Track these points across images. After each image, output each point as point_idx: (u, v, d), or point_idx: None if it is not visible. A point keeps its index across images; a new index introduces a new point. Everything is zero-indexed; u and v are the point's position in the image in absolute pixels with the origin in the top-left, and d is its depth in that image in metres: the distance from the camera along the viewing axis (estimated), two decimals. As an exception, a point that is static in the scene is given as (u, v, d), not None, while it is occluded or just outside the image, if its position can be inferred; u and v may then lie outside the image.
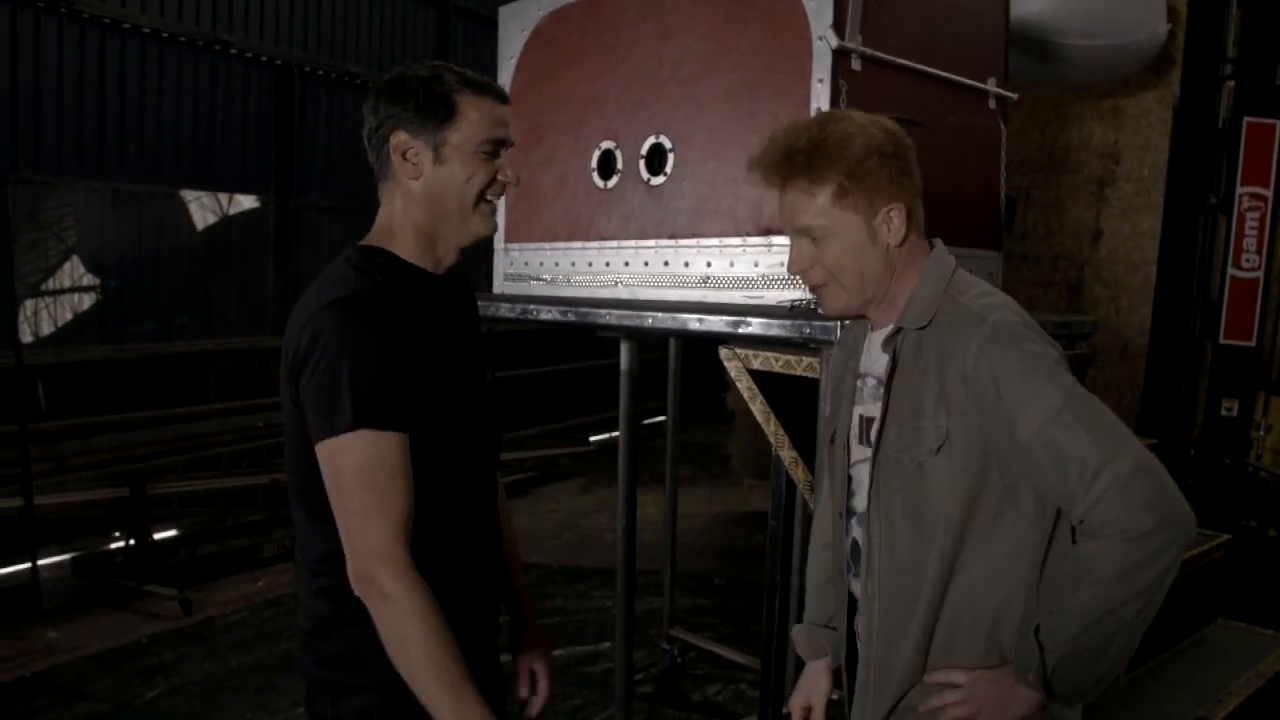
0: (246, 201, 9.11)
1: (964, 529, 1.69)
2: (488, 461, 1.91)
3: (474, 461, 1.83)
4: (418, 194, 1.76)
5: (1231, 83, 5.23)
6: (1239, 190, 5.00)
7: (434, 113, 1.74)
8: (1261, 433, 5.34)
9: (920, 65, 2.91)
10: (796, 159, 1.71)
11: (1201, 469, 5.11)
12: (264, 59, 9.01)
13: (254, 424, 7.58)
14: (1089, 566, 1.58)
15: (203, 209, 8.82)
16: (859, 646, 1.89)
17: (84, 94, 7.71)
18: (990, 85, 3.24)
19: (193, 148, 8.57)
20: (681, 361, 4.85)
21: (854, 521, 1.87)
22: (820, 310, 1.87)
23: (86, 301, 8.12)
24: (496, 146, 1.78)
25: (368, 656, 1.68)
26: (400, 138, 1.74)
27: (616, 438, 12.94)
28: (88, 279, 8.12)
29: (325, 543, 1.71)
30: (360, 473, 1.61)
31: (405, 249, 1.78)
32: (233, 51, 8.70)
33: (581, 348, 12.43)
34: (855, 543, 1.87)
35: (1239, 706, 2.60)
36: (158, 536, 6.33)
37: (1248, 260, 4.99)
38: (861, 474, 1.83)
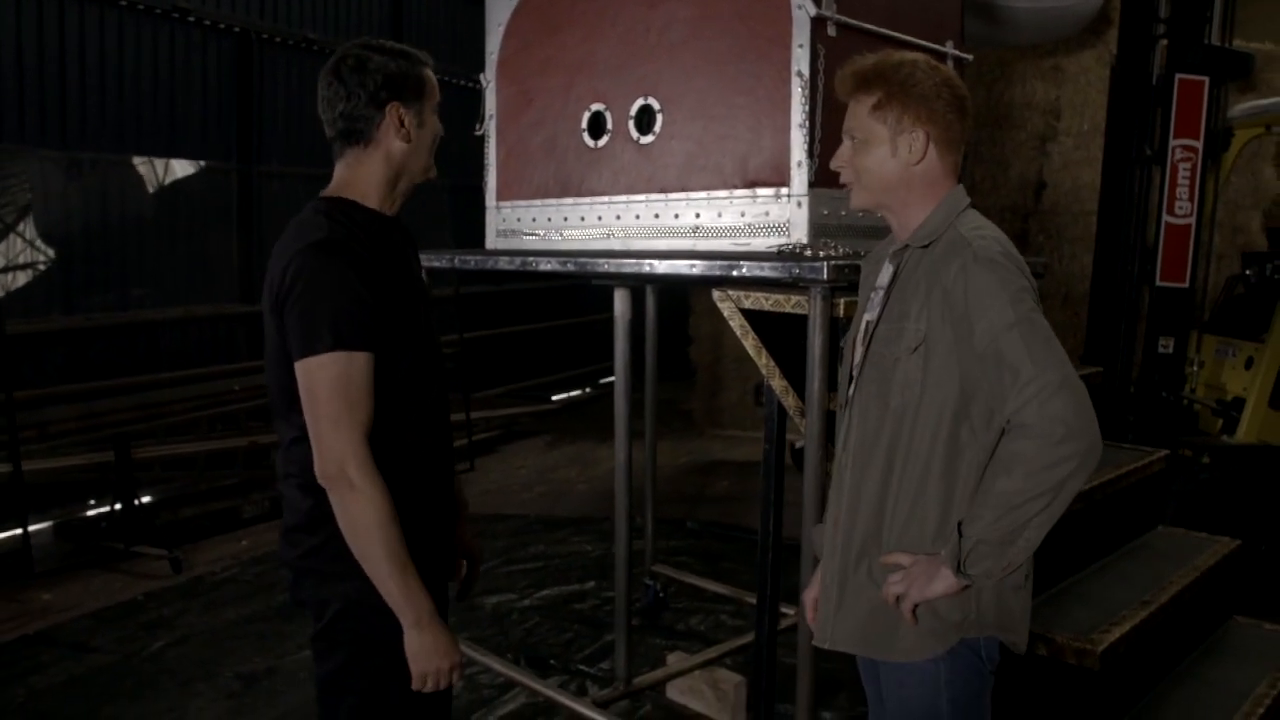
0: (207, 168, 9.14)
1: (923, 424, 1.99)
2: (440, 379, 2.24)
3: (430, 377, 2.16)
4: (402, 153, 2.12)
5: (1164, 42, 5.53)
6: (1172, 143, 5.32)
7: (416, 88, 2.14)
8: (1195, 368, 5.72)
9: (888, 31, 3.18)
10: (859, 75, 2.07)
11: (1141, 403, 5.46)
12: (222, 26, 9.05)
13: (229, 388, 7.71)
14: (1005, 463, 1.88)
15: (162, 176, 8.85)
16: (828, 510, 2.21)
17: (43, 62, 7.71)
18: (949, 48, 3.52)
19: (153, 116, 8.60)
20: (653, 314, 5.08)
21: (848, 407, 2.18)
22: (849, 209, 2.23)
23: (47, 271, 8.13)
24: (438, 105, 2.21)
25: (346, 548, 1.97)
26: (399, 112, 2.11)
27: (578, 396, 13.16)
28: (47, 248, 8.13)
29: (305, 456, 2.00)
30: (333, 385, 1.92)
31: (368, 198, 2.12)
32: (190, 19, 8.73)
33: (543, 309, 12.63)
34: (845, 426, 2.19)
35: (1178, 593, 2.94)
36: (141, 500, 6.46)
37: (1180, 208, 5.32)
38: (857, 371, 2.15)
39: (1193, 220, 5.35)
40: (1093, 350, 5.84)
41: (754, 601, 4.83)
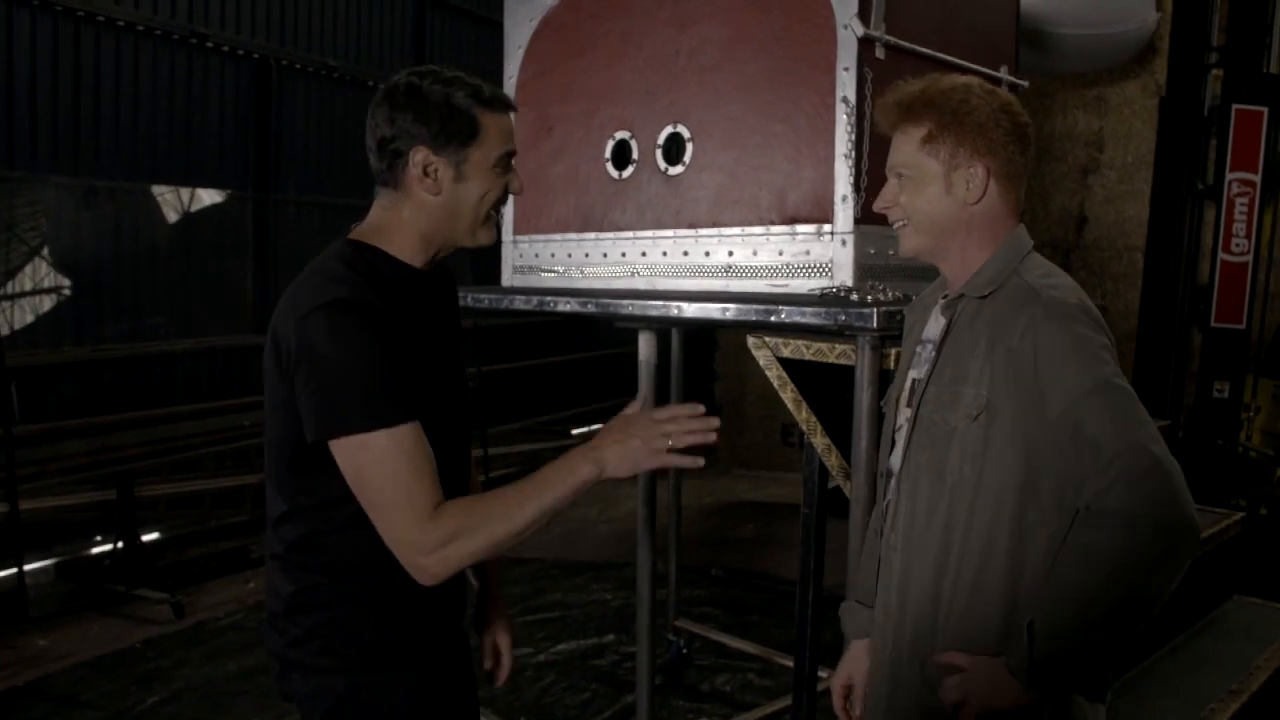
0: (223, 197, 8.98)
1: (984, 503, 1.70)
2: (461, 447, 1.95)
3: (449, 448, 1.85)
4: (433, 207, 1.79)
5: (1218, 71, 5.28)
6: (1228, 176, 5.06)
7: (458, 131, 1.76)
8: (1251, 414, 5.42)
9: (940, 54, 2.92)
10: (903, 103, 1.80)
11: (1193, 450, 5.17)
12: (241, 52, 8.89)
13: (239, 424, 7.49)
14: (1084, 557, 1.58)
15: (179, 205, 8.70)
16: (878, 597, 1.93)
17: (58, 89, 7.57)
18: (1003, 73, 3.27)
19: (169, 143, 8.44)
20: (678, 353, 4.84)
21: (893, 481, 1.90)
22: (897, 252, 1.93)
23: (59, 302, 7.98)
24: (509, 159, 1.84)
25: (335, 639, 1.77)
26: (422, 154, 1.76)
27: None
28: (60, 278, 7.97)
29: (295, 529, 1.78)
30: (382, 466, 1.64)
31: (398, 248, 1.81)
32: (209, 45, 8.57)
33: (562, 342, 12.41)
34: (889, 503, 1.91)
35: (1268, 680, 2.64)
36: (143, 539, 6.24)
37: (1237, 245, 5.05)
38: (901, 436, 1.88)
39: (1250, 258, 5.08)
40: (1140, 394, 5.54)
41: (783, 661, 4.56)
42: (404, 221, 1.80)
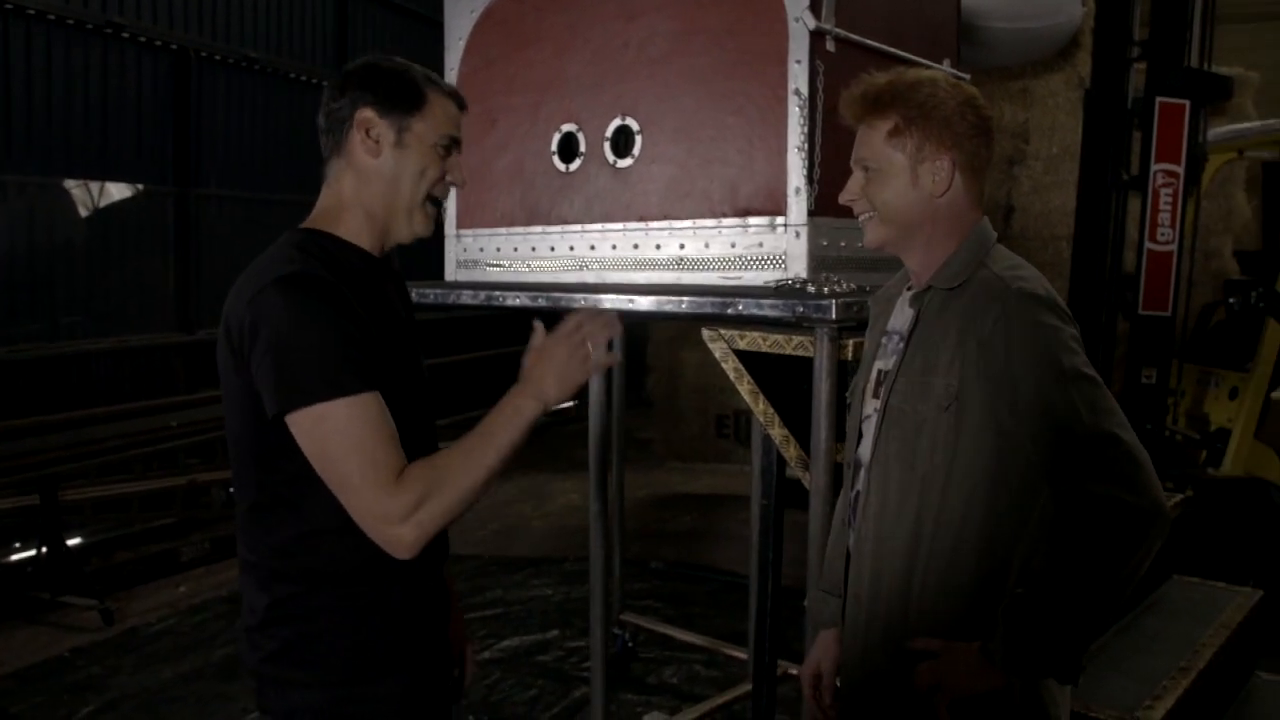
0: (134, 191, 8.72)
1: (956, 491, 1.72)
2: (427, 434, 1.90)
3: (414, 433, 1.80)
4: (371, 172, 1.77)
5: (1140, 64, 5.39)
6: (1153, 167, 5.16)
7: (404, 98, 1.77)
8: (1177, 399, 5.57)
9: (888, 47, 2.95)
10: (869, 96, 1.81)
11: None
12: (159, 43, 8.64)
13: (167, 424, 7.28)
14: (1059, 542, 1.62)
15: (95, 199, 8.42)
16: (848, 586, 1.93)
17: (-34, 81, 7.29)
18: (946, 66, 3.31)
19: (85, 136, 8.17)
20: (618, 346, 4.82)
21: (860, 473, 1.91)
22: (852, 244, 1.94)
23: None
24: (452, 144, 1.83)
25: (313, 652, 1.70)
26: (366, 114, 1.75)
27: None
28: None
29: (269, 536, 1.71)
30: (344, 437, 1.60)
31: (349, 231, 1.78)
32: (125, 35, 8.32)
33: (491, 336, 12.30)
34: (858, 494, 1.92)
35: (1213, 656, 2.72)
36: (69, 544, 6.04)
37: (1163, 234, 5.16)
38: (870, 427, 1.88)
39: (1175, 247, 5.20)
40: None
41: (730, 652, 4.58)
42: (348, 198, 1.78)
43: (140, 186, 8.68)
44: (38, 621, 5.58)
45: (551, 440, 10.10)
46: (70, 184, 8.16)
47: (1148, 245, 5.20)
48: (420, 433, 1.81)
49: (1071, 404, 1.62)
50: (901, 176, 1.80)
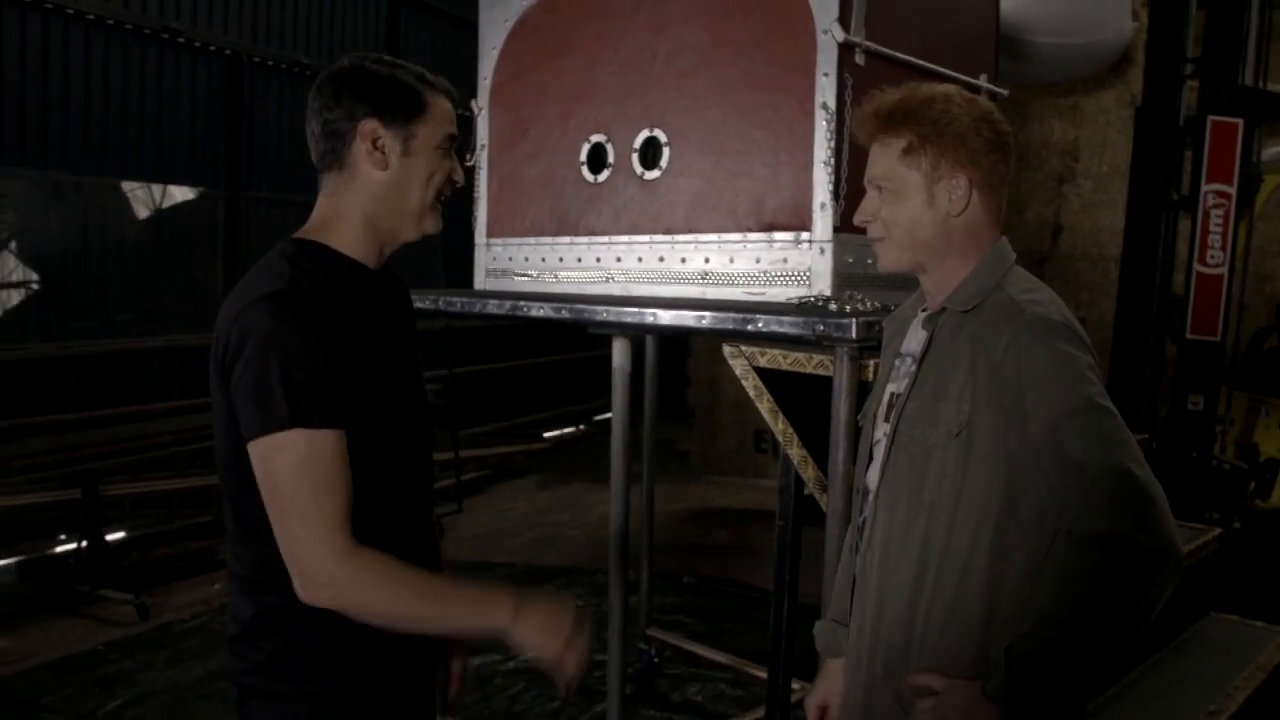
0: (194, 193, 8.86)
1: (963, 521, 1.67)
2: (423, 459, 1.88)
3: (410, 458, 1.80)
4: (379, 185, 1.73)
5: (1193, 81, 5.28)
6: (1204, 188, 5.05)
7: (405, 105, 1.73)
8: (1225, 426, 5.42)
9: (920, 61, 2.90)
10: (881, 114, 1.76)
11: (1167, 463, 5.16)
12: (212, 48, 8.77)
13: (207, 423, 7.36)
14: (1065, 580, 1.54)
15: (150, 201, 8.57)
16: (853, 615, 1.89)
17: (25, 82, 7.43)
18: (983, 81, 3.25)
19: (139, 138, 8.32)
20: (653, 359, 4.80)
21: (869, 498, 1.86)
22: (876, 263, 1.89)
23: (24, 297, 7.84)
24: (452, 143, 1.80)
25: (295, 664, 1.69)
26: (370, 125, 1.71)
27: (571, 433, 12.82)
28: (26, 273, 7.84)
29: (255, 548, 1.68)
30: (297, 471, 1.56)
31: (345, 243, 1.74)
32: (180, 40, 8.46)
33: (535, 344, 12.33)
34: (865, 520, 1.87)
35: (1246, 700, 2.62)
36: (109, 539, 6.13)
37: (1213, 256, 5.04)
38: (880, 451, 1.83)
39: (1225, 269, 5.07)
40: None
41: (756, 671, 4.52)
42: (348, 209, 1.74)
43: (193, 189, 8.82)
44: (76, 614, 5.65)
45: (593, 450, 10.10)
46: (130, 185, 8.31)
47: (1197, 267, 5.08)
48: (414, 444, 1.80)
49: (1083, 436, 1.56)
50: (917, 196, 1.75)
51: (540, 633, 1.63)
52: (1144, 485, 1.53)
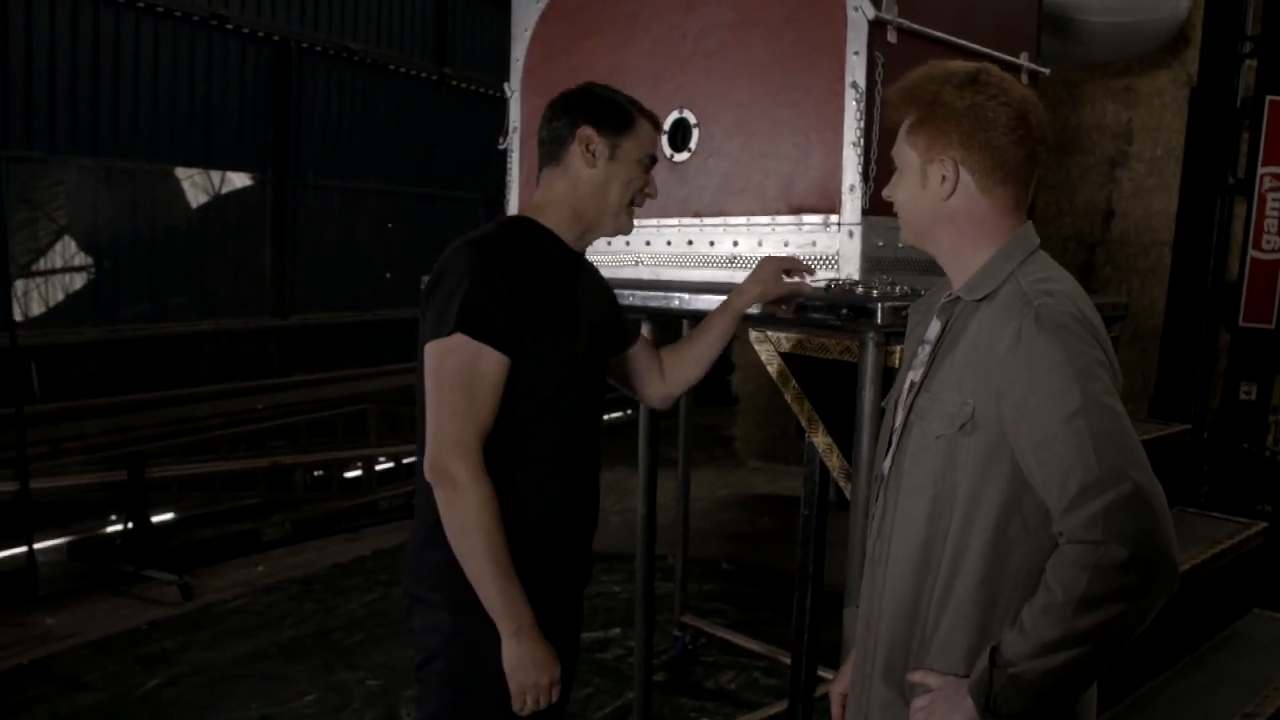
0: (242, 179, 8.96)
1: (968, 516, 1.61)
2: (593, 417, 2.16)
3: (580, 406, 2.05)
4: (585, 181, 2.06)
5: (1251, 61, 5.10)
6: (1260, 171, 4.88)
7: (618, 120, 2.09)
8: (1278, 417, 5.26)
9: (955, 38, 2.81)
10: (895, 93, 1.77)
11: (1217, 455, 5.02)
12: (261, 34, 8.87)
13: (253, 406, 7.47)
14: (1051, 588, 1.48)
15: (208, 187, 8.68)
16: (861, 607, 1.85)
17: (77, 69, 7.56)
18: (1023, 60, 3.15)
19: (189, 125, 8.44)
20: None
21: (881, 488, 1.82)
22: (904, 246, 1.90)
23: (79, 282, 7.99)
24: (652, 161, 2.14)
25: (451, 578, 1.91)
26: (587, 131, 2.06)
27: (619, 418, 12.77)
28: (80, 258, 7.98)
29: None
30: (456, 373, 1.85)
31: (552, 223, 2.06)
32: (229, 27, 8.56)
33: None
34: (878, 510, 1.83)
35: (1287, 701, 2.53)
36: (154, 520, 6.23)
37: (1269, 241, 4.88)
38: (895, 440, 1.79)
39: (1281, 255, 4.90)
40: (1163, 395, 5.38)
41: (788, 660, 4.47)
42: (558, 197, 2.07)
43: (248, 175, 8.92)
44: (121, 593, 5.75)
45: (637, 437, 10.06)
46: (185, 172, 8.43)
47: (1252, 253, 4.92)
48: (586, 400, 2.07)
49: (1084, 437, 1.48)
50: (913, 176, 1.72)
51: (524, 660, 1.88)
52: (1141, 490, 1.45)
